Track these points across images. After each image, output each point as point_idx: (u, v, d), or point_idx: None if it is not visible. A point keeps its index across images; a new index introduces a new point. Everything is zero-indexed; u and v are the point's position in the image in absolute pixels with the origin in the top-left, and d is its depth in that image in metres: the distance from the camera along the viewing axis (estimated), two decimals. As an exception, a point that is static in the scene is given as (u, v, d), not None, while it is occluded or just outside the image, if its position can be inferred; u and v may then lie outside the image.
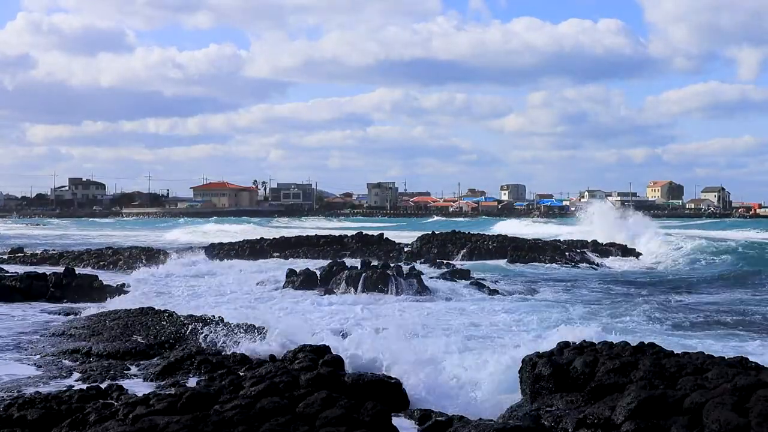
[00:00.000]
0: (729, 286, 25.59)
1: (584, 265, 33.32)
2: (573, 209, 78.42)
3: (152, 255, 32.60)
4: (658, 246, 40.49)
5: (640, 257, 37.56)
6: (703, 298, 22.23)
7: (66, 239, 59.20)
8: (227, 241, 41.67)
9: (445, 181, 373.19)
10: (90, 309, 17.40)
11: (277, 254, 36.46)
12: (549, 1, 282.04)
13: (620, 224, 48.52)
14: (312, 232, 47.56)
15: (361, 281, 21.71)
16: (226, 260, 33.74)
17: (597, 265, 33.77)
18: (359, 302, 19.77)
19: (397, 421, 8.39)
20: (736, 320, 17.65)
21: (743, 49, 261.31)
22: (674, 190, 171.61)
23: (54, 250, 38.62)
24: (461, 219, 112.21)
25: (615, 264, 34.59)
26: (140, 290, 21.81)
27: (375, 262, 25.68)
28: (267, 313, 15.54)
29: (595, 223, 50.90)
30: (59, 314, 17.56)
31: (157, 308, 16.10)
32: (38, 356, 12.51)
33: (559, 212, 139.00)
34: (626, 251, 38.82)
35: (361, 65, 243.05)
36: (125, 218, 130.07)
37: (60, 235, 66.28)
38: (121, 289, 21.44)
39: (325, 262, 27.02)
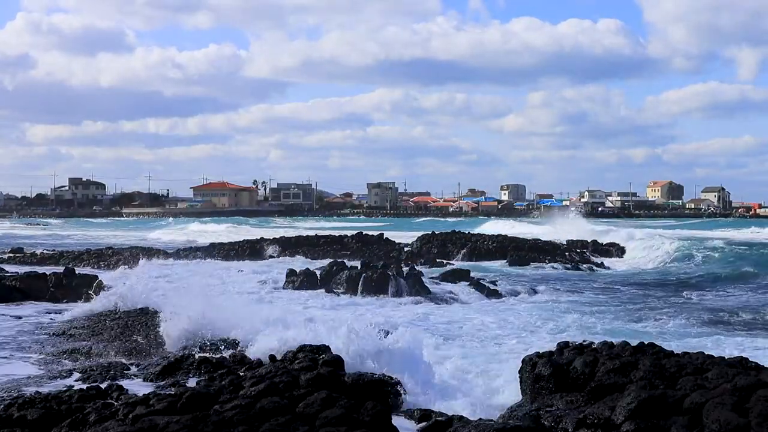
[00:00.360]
0: (731, 285, 25.54)
1: (585, 265, 33.30)
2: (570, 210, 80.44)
3: (153, 255, 32.64)
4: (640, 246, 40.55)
5: (638, 258, 37.66)
6: (710, 297, 22.27)
7: (66, 239, 59.23)
8: (207, 241, 41.99)
9: (445, 181, 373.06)
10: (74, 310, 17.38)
11: (278, 254, 36.47)
12: (548, 1, 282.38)
13: (591, 226, 49.45)
14: (306, 233, 47.52)
15: (361, 281, 21.70)
16: (225, 261, 33.81)
17: (597, 265, 33.77)
18: (357, 303, 19.79)
19: (397, 421, 8.39)
20: (749, 319, 17.68)
21: (743, 50, 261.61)
22: (674, 190, 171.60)
23: (54, 250, 38.64)
24: (450, 219, 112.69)
25: (616, 264, 34.65)
26: (129, 290, 21.59)
27: (374, 263, 25.70)
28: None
29: (565, 225, 52.47)
30: (59, 314, 17.54)
31: (156, 308, 16.12)
32: (38, 356, 12.51)
33: (559, 212, 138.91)
34: (624, 252, 39.02)
35: (361, 65, 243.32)
36: (120, 218, 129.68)
37: (60, 235, 66.30)
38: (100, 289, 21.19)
39: (325, 262, 27.04)
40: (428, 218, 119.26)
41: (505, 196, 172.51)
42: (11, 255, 35.13)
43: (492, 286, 22.81)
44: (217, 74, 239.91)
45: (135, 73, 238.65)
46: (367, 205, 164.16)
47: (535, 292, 22.81)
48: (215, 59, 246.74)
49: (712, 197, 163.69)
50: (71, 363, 11.94)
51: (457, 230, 42.76)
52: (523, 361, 9.87)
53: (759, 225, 78.96)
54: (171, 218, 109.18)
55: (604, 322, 16.78)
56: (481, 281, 23.57)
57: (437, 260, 33.29)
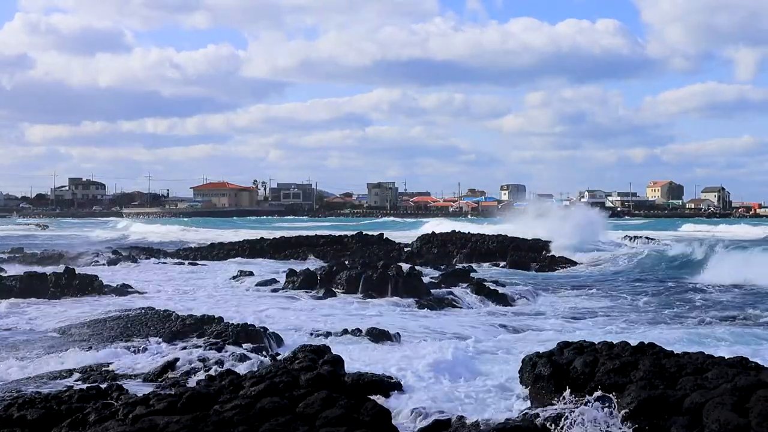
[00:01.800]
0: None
1: (582, 266, 33.32)
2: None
3: (152, 254, 32.76)
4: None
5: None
6: (713, 295, 22.16)
7: (66, 239, 59.14)
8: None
9: (445, 181, 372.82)
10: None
11: (278, 254, 36.49)
12: (546, 1, 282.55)
13: (560, 224, 48.40)
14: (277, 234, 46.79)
15: (361, 282, 21.68)
16: (221, 261, 33.89)
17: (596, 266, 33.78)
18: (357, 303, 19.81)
19: (397, 421, 8.39)
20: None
21: (740, 50, 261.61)
22: (674, 190, 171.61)
23: (54, 250, 38.63)
24: (409, 219, 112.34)
25: (616, 264, 34.63)
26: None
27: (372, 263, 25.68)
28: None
29: (525, 222, 51.93)
30: (59, 314, 17.50)
31: (156, 308, 16.12)
32: (39, 356, 12.49)
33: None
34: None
35: (359, 65, 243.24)
36: (97, 218, 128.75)
37: (60, 236, 66.18)
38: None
39: (325, 263, 27.04)
40: (387, 218, 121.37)
41: (505, 196, 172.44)
42: (11, 255, 35.15)
43: (493, 286, 22.73)
44: (215, 74, 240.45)
45: (133, 74, 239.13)
46: (367, 205, 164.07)
47: (538, 293, 22.69)
48: (213, 59, 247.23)
49: (712, 197, 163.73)
50: (72, 363, 11.92)
51: (456, 230, 42.77)
52: (522, 361, 9.86)
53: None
54: (126, 218, 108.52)
55: (614, 324, 16.64)
56: (482, 282, 23.48)
57: (437, 260, 33.29)
